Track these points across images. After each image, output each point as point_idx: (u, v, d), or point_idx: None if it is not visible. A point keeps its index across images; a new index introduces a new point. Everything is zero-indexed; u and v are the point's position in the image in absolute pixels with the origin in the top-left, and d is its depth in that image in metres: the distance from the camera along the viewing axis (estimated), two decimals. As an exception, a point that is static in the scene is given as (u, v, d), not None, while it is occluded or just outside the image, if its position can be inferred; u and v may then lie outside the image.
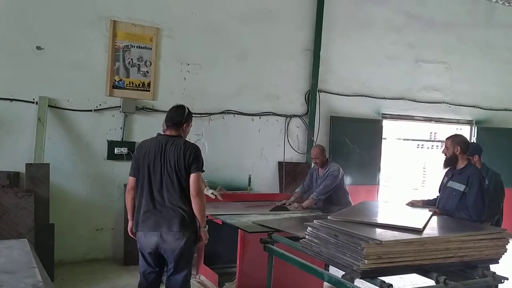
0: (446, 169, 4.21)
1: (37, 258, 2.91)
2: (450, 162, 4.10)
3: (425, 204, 4.22)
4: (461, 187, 3.94)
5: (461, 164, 4.04)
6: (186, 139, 3.54)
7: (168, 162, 3.36)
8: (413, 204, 4.26)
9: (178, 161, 3.35)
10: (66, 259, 5.56)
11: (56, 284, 4.57)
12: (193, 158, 3.37)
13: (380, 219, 3.31)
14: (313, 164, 5.65)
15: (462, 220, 3.74)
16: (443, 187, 4.18)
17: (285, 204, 5.28)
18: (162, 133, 3.67)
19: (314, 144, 7.00)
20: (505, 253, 3.10)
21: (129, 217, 3.55)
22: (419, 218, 3.40)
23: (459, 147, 4.03)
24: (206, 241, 3.52)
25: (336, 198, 5.35)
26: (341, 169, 5.38)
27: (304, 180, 5.70)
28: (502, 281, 2.89)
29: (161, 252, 3.38)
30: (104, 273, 5.26)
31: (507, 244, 3.10)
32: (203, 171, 3.46)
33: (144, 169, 3.41)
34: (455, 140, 4.08)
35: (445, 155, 4.12)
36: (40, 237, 4.72)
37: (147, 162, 3.40)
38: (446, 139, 4.17)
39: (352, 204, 5.29)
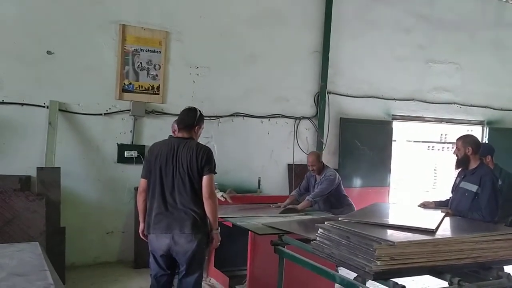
0: (458, 170, 4.16)
1: (48, 261, 2.92)
2: (462, 163, 4.05)
3: (437, 205, 4.17)
4: (473, 187, 3.89)
5: (473, 165, 3.99)
6: (197, 141, 3.55)
7: (181, 164, 3.36)
8: (425, 205, 4.21)
9: (191, 163, 3.35)
10: (77, 263, 5.58)
11: (68, 287, 4.58)
12: (205, 160, 3.37)
13: (392, 220, 3.28)
14: (309, 173, 5.60)
15: (475, 221, 3.69)
16: (455, 188, 4.13)
17: (279, 206, 5.27)
18: (172, 135, 3.67)
19: (323, 147, 7.00)
20: (520, 254, 3.05)
21: (141, 219, 3.55)
22: (431, 219, 3.36)
23: (470, 148, 3.97)
24: (218, 244, 3.50)
25: (337, 201, 5.37)
26: (337, 174, 5.41)
27: (301, 183, 5.70)
28: (517, 282, 2.84)
29: (173, 254, 3.38)
30: (115, 276, 5.27)
31: (522, 245, 3.05)
32: (215, 173, 3.45)
33: (156, 171, 3.41)
34: (466, 140, 4.03)
35: (457, 156, 4.07)
36: (52, 241, 4.74)
37: (159, 164, 3.40)
38: (457, 139, 4.11)
39: (353, 206, 5.30)
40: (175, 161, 3.37)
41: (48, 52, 5.50)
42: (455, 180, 4.18)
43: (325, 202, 5.34)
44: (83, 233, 5.64)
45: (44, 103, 5.46)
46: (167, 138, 3.60)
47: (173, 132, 4.67)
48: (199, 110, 3.61)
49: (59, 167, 5.07)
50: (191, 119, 3.51)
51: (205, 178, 3.36)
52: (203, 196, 3.36)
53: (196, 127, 3.54)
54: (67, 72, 5.58)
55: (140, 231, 3.58)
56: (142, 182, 3.50)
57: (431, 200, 4.35)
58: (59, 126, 5.47)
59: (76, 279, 5.08)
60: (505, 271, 2.95)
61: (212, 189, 3.40)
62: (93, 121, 5.72)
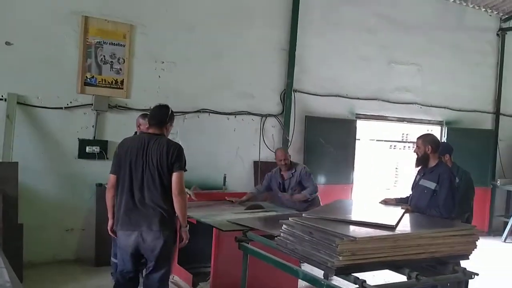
0: (418, 168, 4.28)
1: (4, 258, 2.82)
2: (421, 161, 4.17)
3: (398, 202, 4.28)
4: (432, 185, 4.02)
5: (432, 163, 4.12)
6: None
7: (151, 159, 3.35)
8: (386, 202, 4.31)
9: (161, 159, 3.34)
10: (35, 260, 5.40)
11: (26, 285, 4.43)
12: (176, 157, 3.37)
13: (354, 217, 3.33)
14: (273, 170, 5.66)
15: (433, 217, 3.81)
16: (415, 185, 4.25)
17: (233, 202, 5.37)
18: (137, 130, 3.64)
19: (288, 144, 7.05)
20: (475, 249, 3.17)
21: (110, 215, 3.52)
22: (392, 215, 3.44)
23: (430, 146, 4.09)
24: (187, 241, 3.50)
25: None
26: None
27: (261, 183, 5.76)
28: (473, 276, 2.94)
29: (141, 251, 3.36)
30: (75, 275, 5.15)
31: (476, 241, 3.17)
32: (185, 170, 3.45)
33: (125, 166, 3.39)
34: (426, 139, 4.15)
35: (417, 154, 4.18)
36: (8, 238, 4.56)
37: (129, 160, 3.38)
38: (417, 138, 4.23)
39: (320, 202, 5.40)
40: (145, 156, 3.36)
41: (7, 43, 5.30)
42: (415, 178, 4.30)
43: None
44: (41, 230, 5.46)
45: (2, 96, 5.26)
46: (137, 134, 3.57)
47: (138, 126, 4.59)
48: (171, 108, 3.62)
49: (17, 162, 4.90)
50: (163, 116, 3.53)
51: (175, 175, 3.36)
52: (173, 193, 3.36)
53: (168, 124, 3.56)
54: (26, 63, 5.39)
55: (109, 227, 3.54)
56: (111, 178, 3.47)
57: (392, 197, 4.47)
58: (17, 119, 5.27)
59: (34, 277, 4.92)
60: (461, 266, 3.06)
61: (182, 186, 3.40)
62: (53, 115, 5.54)
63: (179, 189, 3.36)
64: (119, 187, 3.42)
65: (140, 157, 3.36)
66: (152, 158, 3.35)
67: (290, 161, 5.55)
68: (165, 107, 3.59)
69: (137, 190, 3.34)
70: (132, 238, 3.33)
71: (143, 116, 4.53)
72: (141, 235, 3.31)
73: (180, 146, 3.47)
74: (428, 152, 4.09)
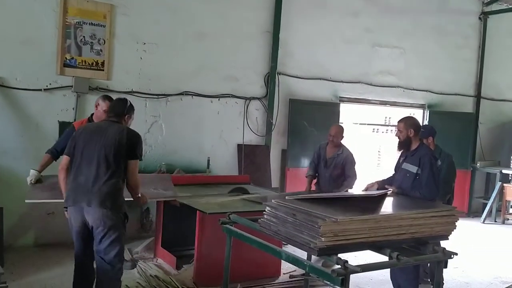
0: (401, 151, 4.32)
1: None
2: (404, 144, 4.18)
3: (380, 184, 4.32)
4: (414, 168, 4.05)
5: (414, 146, 4.15)
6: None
7: (108, 142, 3.37)
8: (368, 188, 4.34)
9: (118, 143, 3.37)
10: (16, 244, 5.35)
11: (7, 269, 4.37)
12: (133, 144, 3.45)
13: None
14: (323, 142, 5.65)
15: (415, 199, 3.86)
16: (398, 168, 4.29)
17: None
18: (93, 112, 3.73)
19: (272, 127, 7.05)
20: (454, 230, 3.23)
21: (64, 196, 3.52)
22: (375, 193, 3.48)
23: (412, 130, 4.10)
24: (148, 200, 3.83)
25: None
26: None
27: (312, 161, 5.69)
28: (452, 256, 3.00)
29: (90, 229, 3.39)
30: (57, 258, 5.09)
31: (456, 221, 3.23)
32: (141, 159, 3.56)
33: (79, 147, 3.43)
34: (408, 122, 4.16)
35: (399, 138, 4.19)
36: (-13, 222, 4.51)
37: (83, 141, 3.43)
38: (399, 122, 4.22)
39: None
40: (102, 138, 3.39)
41: (-18, 22, 5.15)
42: (398, 160, 4.33)
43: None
44: (22, 214, 5.39)
45: (-22, 77, 5.13)
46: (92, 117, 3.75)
47: (96, 106, 4.42)
48: (130, 101, 3.72)
49: (-5, 145, 4.81)
50: (121, 108, 3.64)
51: (131, 163, 3.45)
52: (128, 182, 3.48)
53: (126, 116, 3.65)
54: (4, 44, 5.26)
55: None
56: (65, 159, 3.53)
57: (373, 181, 4.50)
58: (-6, 101, 5.16)
59: (15, 260, 4.88)
60: (441, 246, 3.12)
61: (137, 174, 3.51)
62: (32, 97, 5.43)
63: (134, 180, 3.49)
64: (72, 166, 3.45)
65: (96, 138, 3.40)
66: (109, 141, 3.37)
67: (340, 142, 5.50)
68: (124, 100, 3.72)
69: (90, 169, 3.35)
70: (80, 215, 3.36)
71: (104, 97, 4.39)
72: (89, 213, 3.33)
73: (139, 135, 3.56)
74: (410, 135, 4.10)
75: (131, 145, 3.44)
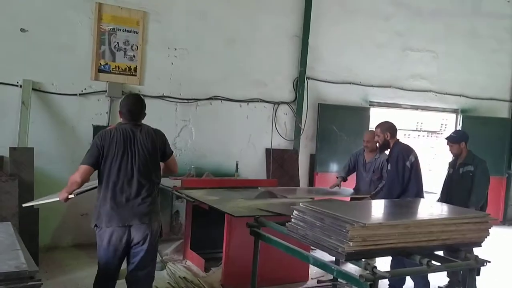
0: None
1: (20, 241, 2.89)
2: (383, 147, 4.61)
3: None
4: (389, 166, 4.45)
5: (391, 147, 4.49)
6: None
7: (143, 152, 3.27)
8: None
9: (153, 149, 3.33)
10: (51, 245, 5.52)
11: (41, 268, 4.51)
12: (165, 142, 3.48)
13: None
14: (360, 148, 5.75)
15: (447, 205, 3.78)
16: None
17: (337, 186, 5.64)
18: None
19: (301, 132, 7.05)
20: (487, 237, 3.14)
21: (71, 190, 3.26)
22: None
23: (388, 133, 4.46)
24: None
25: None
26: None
27: (347, 164, 5.79)
28: (485, 264, 2.93)
29: (130, 246, 3.34)
30: (90, 258, 5.21)
31: (489, 228, 3.14)
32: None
33: (112, 161, 3.21)
34: (384, 127, 4.51)
35: (378, 142, 4.55)
36: (25, 222, 4.66)
37: (115, 154, 3.21)
38: (376, 128, 4.60)
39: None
40: (135, 148, 3.25)
41: (22, 30, 5.36)
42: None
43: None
44: (57, 215, 5.57)
45: (17, 82, 5.33)
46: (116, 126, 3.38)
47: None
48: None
49: (32, 148, 4.99)
50: (143, 109, 3.43)
51: (171, 159, 3.51)
52: (173, 170, 3.58)
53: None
54: (41, 50, 5.45)
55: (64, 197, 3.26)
56: (88, 170, 3.20)
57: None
58: (32, 106, 5.36)
59: (50, 260, 5.03)
60: (474, 253, 3.05)
61: (176, 163, 3.62)
62: (67, 101, 5.61)
63: (176, 168, 3.57)
64: (103, 180, 3.23)
65: (129, 148, 3.23)
66: (144, 149, 3.26)
67: (376, 146, 5.46)
68: (141, 99, 3.47)
69: (127, 185, 3.20)
70: (123, 232, 3.21)
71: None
72: (129, 229, 3.21)
73: (161, 131, 3.51)
74: (388, 138, 4.44)
75: (162, 143, 3.41)
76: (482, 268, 2.96)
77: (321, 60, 7.21)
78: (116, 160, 3.20)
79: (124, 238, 3.22)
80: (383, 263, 3.84)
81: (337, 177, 5.85)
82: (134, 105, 3.40)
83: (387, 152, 4.73)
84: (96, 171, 3.28)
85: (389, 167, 4.41)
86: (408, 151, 4.40)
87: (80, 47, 5.64)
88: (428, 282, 4.20)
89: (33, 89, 5.39)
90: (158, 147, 3.37)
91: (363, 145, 5.61)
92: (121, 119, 3.44)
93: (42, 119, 5.50)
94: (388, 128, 4.48)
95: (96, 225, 3.28)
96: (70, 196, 3.29)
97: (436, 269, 2.76)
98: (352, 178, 5.81)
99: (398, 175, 4.24)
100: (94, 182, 3.41)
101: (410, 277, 4.00)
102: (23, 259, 2.45)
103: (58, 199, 3.34)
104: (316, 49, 7.12)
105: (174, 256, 5.44)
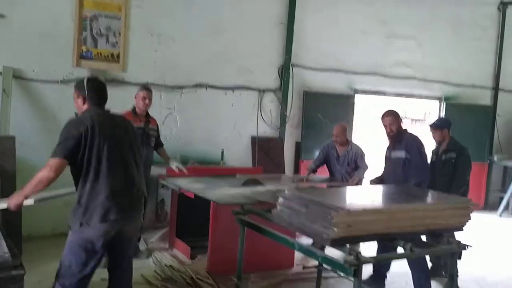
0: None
1: (3, 230, 2.85)
2: (397, 136, 4.32)
3: (375, 182, 4.55)
4: (401, 153, 4.25)
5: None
6: None
7: (129, 137, 3.10)
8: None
9: (134, 134, 3.25)
10: (34, 234, 5.45)
11: (25, 257, 4.44)
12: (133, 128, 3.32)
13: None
14: (330, 141, 5.75)
15: (429, 190, 3.84)
16: (387, 160, 4.52)
17: (303, 180, 5.54)
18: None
19: (286, 119, 7.05)
20: (469, 221, 3.19)
21: (31, 191, 2.92)
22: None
23: (400, 120, 4.35)
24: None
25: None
26: None
27: (318, 157, 5.88)
28: (466, 248, 2.98)
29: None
30: (74, 247, 5.19)
31: (471, 213, 3.19)
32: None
33: (103, 149, 2.86)
34: (396, 115, 4.34)
35: (392, 131, 4.30)
36: (7, 212, 4.53)
37: (104, 141, 2.87)
38: (386, 116, 4.35)
39: None
40: (122, 134, 3.04)
41: (0, 16, 5.21)
42: (385, 153, 4.53)
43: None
44: (40, 205, 5.46)
45: (-3, 69, 5.22)
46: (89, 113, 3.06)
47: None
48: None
49: (14, 136, 4.89)
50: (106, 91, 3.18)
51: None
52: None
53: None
54: (21, 36, 5.33)
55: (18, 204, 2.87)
56: (63, 163, 2.83)
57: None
58: (13, 93, 5.25)
59: (33, 250, 4.96)
60: (455, 238, 3.10)
61: None
62: (49, 88, 5.51)
63: None
64: (89, 172, 2.85)
65: (118, 135, 3.00)
66: (129, 135, 3.10)
67: (347, 139, 5.68)
68: (103, 82, 3.23)
69: (120, 174, 2.91)
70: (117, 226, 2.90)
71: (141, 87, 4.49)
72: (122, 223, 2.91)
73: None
74: (402, 125, 4.32)
75: (132, 128, 3.24)
76: (463, 252, 3.01)
77: (306, 47, 7.19)
78: (103, 146, 2.84)
79: (114, 231, 2.88)
80: (370, 249, 3.89)
81: (307, 169, 5.88)
82: (103, 88, 3.16)
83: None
84: (70, 168, 2.91)
85: (402, 155, 4.21)
86: (418, 138, 4.37)
87: (61, 33, 5.53)
88: (427, 269, 4.13)
89: (13, 76, 5.28)
90: (135, 136, 3.29)
91: (333, 139, 5.64)
92: (83, 103, 3.10)
93: (23, 107, 5.40)
94: (398, 115, 4.38)
95: (80, 224, 2.89)
96: (27, 203, 2.80)
97: (419, 254, 2.79)
98: (322, 170, 5.87)
99: (424, 162, 4.20)
100: (65, 189, 3.14)
101: (408, 265, 3.98)
102: (6, 249, 2.43)
103: (5, 206, 2.83)
104: (301, 37, 7.09)
105: (160, 245, 5.43)
